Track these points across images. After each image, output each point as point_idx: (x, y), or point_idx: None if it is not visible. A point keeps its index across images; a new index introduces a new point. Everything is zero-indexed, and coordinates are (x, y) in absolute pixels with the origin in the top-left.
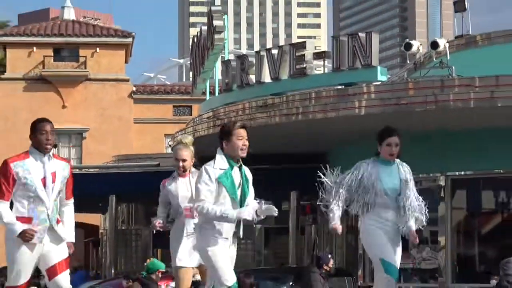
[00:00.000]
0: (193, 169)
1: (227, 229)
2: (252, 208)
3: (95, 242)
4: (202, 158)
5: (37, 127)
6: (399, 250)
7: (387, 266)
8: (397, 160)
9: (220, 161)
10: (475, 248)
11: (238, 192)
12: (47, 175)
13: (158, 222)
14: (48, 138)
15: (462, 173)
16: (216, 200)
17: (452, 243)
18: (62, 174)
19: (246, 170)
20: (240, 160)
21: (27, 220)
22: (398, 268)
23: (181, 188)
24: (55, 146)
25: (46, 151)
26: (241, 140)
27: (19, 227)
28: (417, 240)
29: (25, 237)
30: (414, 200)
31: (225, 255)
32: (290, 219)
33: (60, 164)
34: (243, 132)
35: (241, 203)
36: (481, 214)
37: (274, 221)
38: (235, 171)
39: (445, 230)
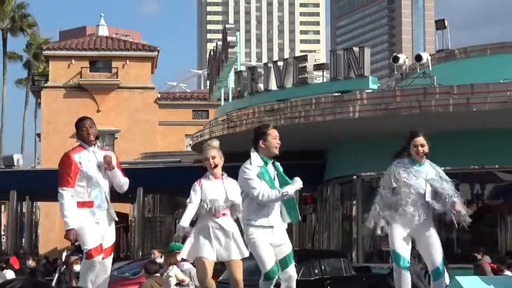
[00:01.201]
0: (225, 174)
1: (273, 218)
2: (293, 186)
3: (125, 228)
4: None
5: (78, 125)
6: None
7: (395, 256)
8: (427, 161)
9: (256, 160)
10: (453, 233)
11: (276, 184)
12: (99, 163)
13: (186, 232)
14: (88, 132)
15: (442, 168)
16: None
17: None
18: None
19: (278, 164)
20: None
21: (89, 204)
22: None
23: (215, 189)
24: (97, 137)
25: (91, 143)
26: (275, 139)
27: (71, 224)
28: (463, 211)
29: (68, 237)
30: (448, 189)
31: (265, 244)
32: None
33: (103, 153)
34: (276, 132)
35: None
36: None
37: None
38: (270, 167)
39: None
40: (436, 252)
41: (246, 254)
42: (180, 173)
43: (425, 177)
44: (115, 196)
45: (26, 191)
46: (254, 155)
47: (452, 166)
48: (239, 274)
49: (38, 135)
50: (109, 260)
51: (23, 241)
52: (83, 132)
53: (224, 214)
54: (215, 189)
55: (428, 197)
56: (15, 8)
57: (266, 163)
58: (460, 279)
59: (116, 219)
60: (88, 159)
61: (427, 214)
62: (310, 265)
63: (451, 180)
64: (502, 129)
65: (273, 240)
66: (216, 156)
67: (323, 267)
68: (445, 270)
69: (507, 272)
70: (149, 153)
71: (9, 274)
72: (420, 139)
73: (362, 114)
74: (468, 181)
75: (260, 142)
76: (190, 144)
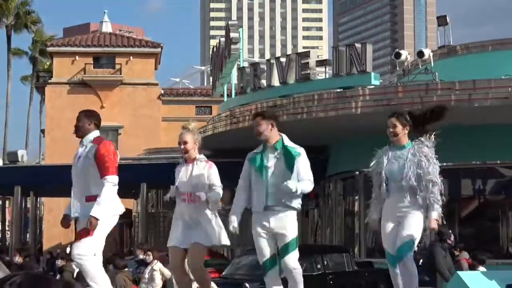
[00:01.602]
0: (201, 157)
1: (256, 204)
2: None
3: (128, 224)
4: (221, 151)
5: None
6: (403, 226)
7: (386, 255)
8: (413, 143)
9: (257, 147)
10: (455, 229)
11: (270, 171)
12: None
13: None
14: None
15: (444, 164)
16: None
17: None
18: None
19: (284, 148)
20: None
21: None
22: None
23: (182, 173)
24: (76, 131)
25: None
26: (256, 127)
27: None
28: (435, 227)
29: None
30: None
31: (259, 237)
32: None
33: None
34: (258, 120)
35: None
36: (460, 199)
37: None
38: (268, 153)
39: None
40: (400, 235)
41: (214, 242)
42: None
43: (405, 160)
44: (118, 191)
45: (31, 186)
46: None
47: (453, 161)
48: (195, 260)
49: (42, 131)
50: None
51: (28, 236)
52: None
53: (191, 200)
54: (183, 173)
55: (412, 181)
56: (19, 5)
57: (265, 149)
58: (462, 274)
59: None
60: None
61: (411, 201)
62: (312, 260)
63: (436, 181)
64: (503, 125)
65: (271, 227)
66: (188, 141)
67: (325, 262)
68: (409, 264)
69: (481, 268)
70: (153, 149)
71: None
72: (392, 120)
73: (364, 110)
74: (469, 176)
75: None
76: None
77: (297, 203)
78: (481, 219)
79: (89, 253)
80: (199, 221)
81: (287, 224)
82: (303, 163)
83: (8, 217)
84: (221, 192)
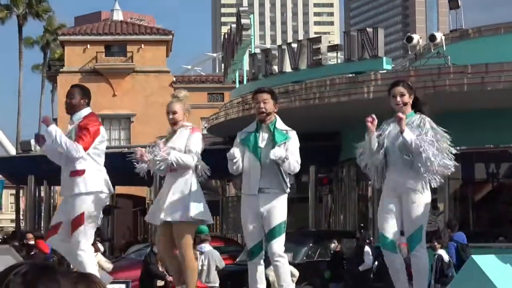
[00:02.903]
0: (187, 124)
1: (255, 185)
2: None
3: (142, 211)
4: (233, 138)
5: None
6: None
7: (380, 238)
8: (416, 116)
9: (250, 126)
10: (469, 213)
11: (264, 150)
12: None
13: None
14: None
15: (458, 148)
16: None
17: (450, 209)
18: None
19: (275, 127)
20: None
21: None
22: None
23: (167, 141)
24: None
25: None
26: (258, 104)
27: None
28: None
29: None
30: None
31: (249, 221)
32: (309, 190)
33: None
34: (262, 96)
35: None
36: (474, 183)
37: (296, 191)
38: (262, 132)
39: (444, 197)
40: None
41: (191, 214)
42: None
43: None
44: (132, 179)
45: (44, 175)
46: (254, 121)
47: (466, 145)
48: (178, 242)
49: (55, 119)
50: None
51: (42, 225)
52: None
53: (171, 170)
54: (167, 143)
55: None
56: None
57: (258, 129)
58: (476, 258)
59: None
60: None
61: (409, 176)
62: (326, 246)
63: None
64: None
65: (261, 210)
66: (178, 111)
67: (339, 247)
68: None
69: (440, 251)
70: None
71: None
72: (399, 88)
73: (376, 94)
74: (483, 160)
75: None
76: (205, 127)
77: (287, 186)
78: (494, 203)
79: (84, 247)
80: (173, 192)
81: (277, 207)
82: (292, 144)
83: (22, 206)
84: (193, 159)
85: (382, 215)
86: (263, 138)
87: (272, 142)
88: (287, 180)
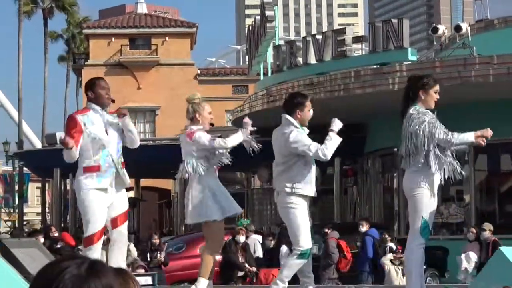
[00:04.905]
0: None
1: (309, 188)
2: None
3: (167, 204)
4: (257, 130)
5: (98, 83)
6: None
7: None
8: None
9: (297, 124)
10: (495, 204)
11: None
12: (107, 124)
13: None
14: (108, 93)
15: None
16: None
17: (476, 200)
18: (116, 122)
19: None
20: None
21: (96, 168)
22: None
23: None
24: (113, 101)
25: (106, 104)
26: (310, 112)
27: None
28: None
29: (65, 143)
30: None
31: (306, 219)
32: (334, 182)
33: (111, 116)
34: (311, 105)
35: None
36: (500, 174)
37: (321, 184)
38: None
39: (469, 189)
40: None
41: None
42: None
43: None
44: (157, 171)
45: (69, 168)
46: (293, 120)
47: (492, 137)
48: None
49: None
50: (124, 227)
51: (68, 218)
52: (103, 92)
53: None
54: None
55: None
56: None
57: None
58: (504, 249)
59: (128, 184)
60: (93, 121)
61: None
62: (352, 238)
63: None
64: None
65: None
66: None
67: None
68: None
69: (390, 244)
70: None
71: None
72: (438, 87)
73: (401, 86)
74: (509, 151)
75: (297, 112)
76: (230, 120)
77: None
78: None
79: (90, 244)
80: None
81: None
82: None
83: (48, 199)
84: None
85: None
86: None
87: None
88: None
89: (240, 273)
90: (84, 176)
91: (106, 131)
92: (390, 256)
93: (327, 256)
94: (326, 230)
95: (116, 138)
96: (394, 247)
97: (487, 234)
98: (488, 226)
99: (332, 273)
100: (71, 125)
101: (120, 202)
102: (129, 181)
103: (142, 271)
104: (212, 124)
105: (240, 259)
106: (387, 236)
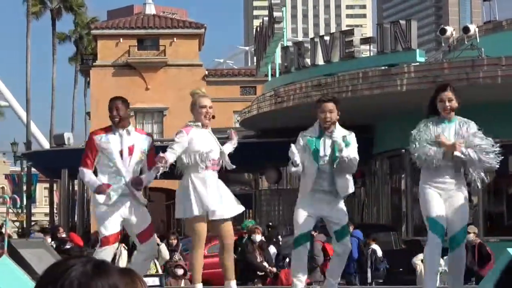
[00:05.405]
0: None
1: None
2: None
3: (175, 205)
4: (265, 131)
5: (108, 106)
6: (454, 208)
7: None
8: (458, 118)
9: (311, 129)
10: (503, 205)
11: (323, 158)
12: (123, 148)
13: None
14: (112, 114)
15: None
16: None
17: (483, 202)
18: (141, 146)
19: (340, 137)
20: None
21: (106, 186)
22: (458, 228)
23: (207, 139)
24: (120, 119)
25: (114, 125)
26: (322, 114)
27: (96, 183)
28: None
29: (99, 190)
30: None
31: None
32: None
33: (140, 137)
34: (327, 107)
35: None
36: (508, 176)
37: None
38: (325, 139)
39: (477, 191)
40: (457, 219)
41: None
42: None
43: (453, 133)
44: (164, 172)
45: (77, 169)
46: (316, 124)
47: (501, 137)
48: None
49: (88, 113)
50: (149, 243)
51: (75, 218)
52: (110, 114)
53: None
54: (208, 139)
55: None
56: None
57: (321, 135)
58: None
59: (144, 203)
60: (110, 142)
61: (456, 176)
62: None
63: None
64: None
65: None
66: (212, 106)
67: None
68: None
69: (373, 246)
70: None
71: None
72: (448, 93)
73: (409, 87)
74: None
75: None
76: (238, 120)
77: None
78: None
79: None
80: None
81: None
82: (351, 148)
83: (56, 200)
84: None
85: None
86: (325, 145)
87: (332, 151)
88: None
89: (259, 273)
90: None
91: (122, 153)
92: (421, 256)
93: (311, 259)
94: (313, 232)
95: (134, 163)
96: (379, 251)
97: (471, 237)
98: (472, 229)
99: (318, 276)
100: (88, 145)
101: (139, 219)
102: (144, 200)
103: (181, 271)
104: (213, 117)
105: (258, 258)
106: (371, 240)
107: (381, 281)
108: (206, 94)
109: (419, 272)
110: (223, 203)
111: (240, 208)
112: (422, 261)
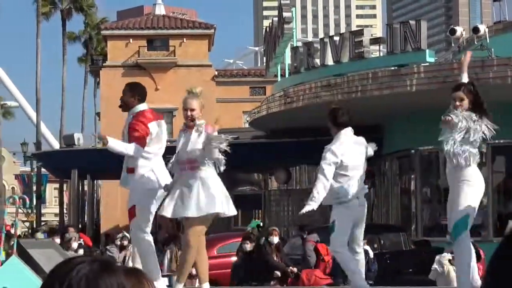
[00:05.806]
0: (201, 122)
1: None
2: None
3: None
4: (275, 131)
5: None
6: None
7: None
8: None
9: None
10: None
11: None
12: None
13: None
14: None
15: (501, 141)
16: None
17: (493, 202)
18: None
19: None
20: None
21: None
22: (455, 222)
23: (185, 141)
24: (123, 104)
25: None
26: None
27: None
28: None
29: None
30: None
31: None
32: None
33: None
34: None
35: None
36: None
37: None
38: None
39: (487, 190)
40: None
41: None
42: (237, 150)
43: None
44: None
45: (87, 169)
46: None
47: (510, 138)
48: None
49: (98, 114)
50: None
51: (85, 219)
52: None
53: (188, 168)
54: (184, 141)
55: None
56: None
57: None
58: None
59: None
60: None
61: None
62: (369, 239)
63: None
64: None
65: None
66: (195, 108)
67: (382, 242)
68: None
69: (365, 247)
70: None
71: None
72: (459, 94)
73: (419, 87)
74: None
75: None
76: (247, 121)
77: None
78: None
79: (137, 232)
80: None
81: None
82: None
83: (65, 200)
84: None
85: None
86: None
87: None
88: None
89: (277, 274)
90: None
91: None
92: (449, 256)
93: (303, 259)
94: (303, 234)
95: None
96: (370, 252)
97: None
98: None
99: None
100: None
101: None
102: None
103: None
104: (192, 119)
105: (275, 258)
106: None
107: (371, 282)
108: (197, 94)
109: (446, 272)
110: (178, 203)
111: (196, 213)
112: (449, 261)
